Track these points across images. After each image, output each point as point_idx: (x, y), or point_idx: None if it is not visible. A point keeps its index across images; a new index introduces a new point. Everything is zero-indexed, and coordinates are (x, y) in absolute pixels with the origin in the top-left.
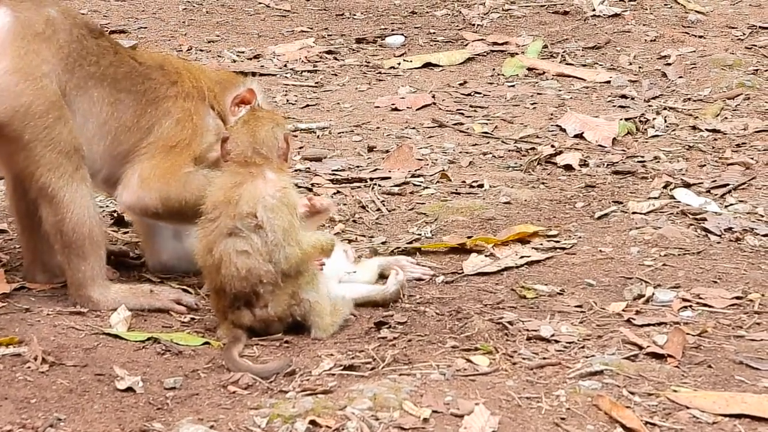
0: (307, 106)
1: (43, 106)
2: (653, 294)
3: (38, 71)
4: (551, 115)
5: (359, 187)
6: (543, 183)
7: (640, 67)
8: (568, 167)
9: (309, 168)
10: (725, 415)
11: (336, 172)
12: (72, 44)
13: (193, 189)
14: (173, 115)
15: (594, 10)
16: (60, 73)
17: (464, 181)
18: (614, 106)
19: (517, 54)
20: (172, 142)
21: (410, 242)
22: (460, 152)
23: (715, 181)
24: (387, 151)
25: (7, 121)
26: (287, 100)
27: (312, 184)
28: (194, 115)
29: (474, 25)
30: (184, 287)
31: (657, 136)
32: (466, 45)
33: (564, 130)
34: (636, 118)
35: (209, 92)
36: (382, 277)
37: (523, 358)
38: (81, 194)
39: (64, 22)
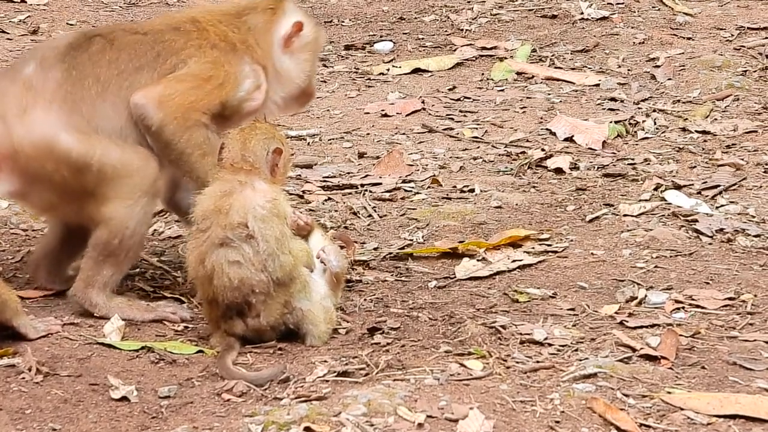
0: (297, 113)
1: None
2: (646, 296)
3: None
4: (541, 118)
5: (350, 193)
6: (534, 187)
7: (629, 70)
8: (559, 170)
9: (300, 175)
10: (719, 416)
11: (327, 179)
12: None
13: (190, 141)
14: (202, 59)
15: (582, 13)
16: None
17: (455, 186)
18: (604, 108)
19: (505, 58)
20: (205, 75)
21: (402, 248)
22: (451, 157)
23: (705, 182)
24: (377, 157)
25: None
26: None
27: (303, 191)
28: (225, 64)
29: (462, 30)
30: (178, 297)
31: (647, 138)
32: (454, 50)
33: (554, 134)
34: (626, 120)
35: (241, 44)
36: None
37: (517, 362)
38: (141, 212)
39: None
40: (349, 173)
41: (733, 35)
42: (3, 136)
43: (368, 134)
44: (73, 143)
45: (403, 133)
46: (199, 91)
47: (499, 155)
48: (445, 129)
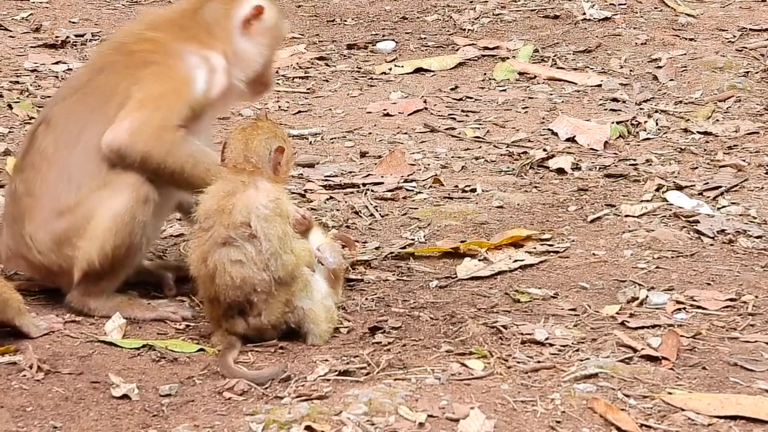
0: (299, 112)
1: None
2: (647, 296)
3: None
4: (543, 119)
5: (352, 192)
6: (535, 187)
7: (631, 71)
8: (561, 171)
9: (302, 174)
10: (720, 417)
11: (329, 178)
12: None
13: (176, 158)
14: (142, 82)
15: (584, 14)
16: None
17: (457, 186)
18: (606, 109)
19: (508, 58)
20: (156, 93)
21: (403, 247)
22: (453, 157)
23: (707, 183)
24: (379, 157)
25: None
26: (279, 107)
27: (305, 190)
28: (166, 70)
29: (465, 29)
30: (180, 298)
31: (649, 139)
32: (457, 50)
33: (556, 134)
34: (627, 121)
35: (182, 38)
36: None
37: (518, 362)
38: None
39: None
40: (351, 172)
41: (735, 36)
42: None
43: (370, 134)
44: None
45: (405, 133)
46: (160, 110)
47: (501, 155)
48: (447, 129)
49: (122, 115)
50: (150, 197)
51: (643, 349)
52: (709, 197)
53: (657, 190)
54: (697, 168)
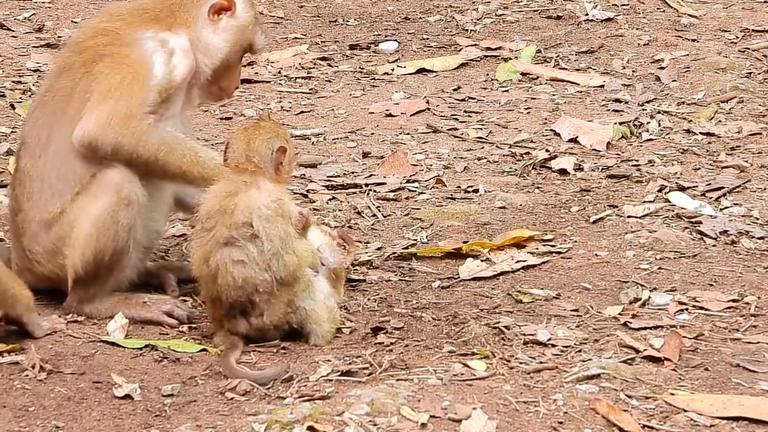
0: (302, 112)
1: None
2: (649, 297)
3: None
4: (545, 119)
5: (354, 192)
6: (538, 187)
7: (633, 71)
8: (563, 171)
9: (304, 174)
10: (722, 418)
11: (331, 178)
12: None
13: (147, 145)
14: (100, 76)
15: (587, 14)
16: None
17: (459, 186)
18: (608, 110)
19: (510, 59)
20: (115, 83)
21: (406, 247)
22: (455, 157)
23: (710, 184)
24: (382, 157)
25: None
26: (281, 107)
27: (307, 191)
28: (121, 59)
29: (467, 30)
30: (183, 298)
31: (651, 139)
32: (459, 50)
33: (558, 135)
34: (630, 121)
35: (141, 17)
36: None
37: (520, 363)
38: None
39: None
40: (353, 173)
41: (737, 37)
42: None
43: (373, 134)
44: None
45: (408, 133)
46: (123, 99)
47: (504, 156)
48: (449, 129)
49: (88, 109)
50: (133, 198)
51: (645, 349)
52: (711, 198)
53: (659, 190)
54: (699, 169)
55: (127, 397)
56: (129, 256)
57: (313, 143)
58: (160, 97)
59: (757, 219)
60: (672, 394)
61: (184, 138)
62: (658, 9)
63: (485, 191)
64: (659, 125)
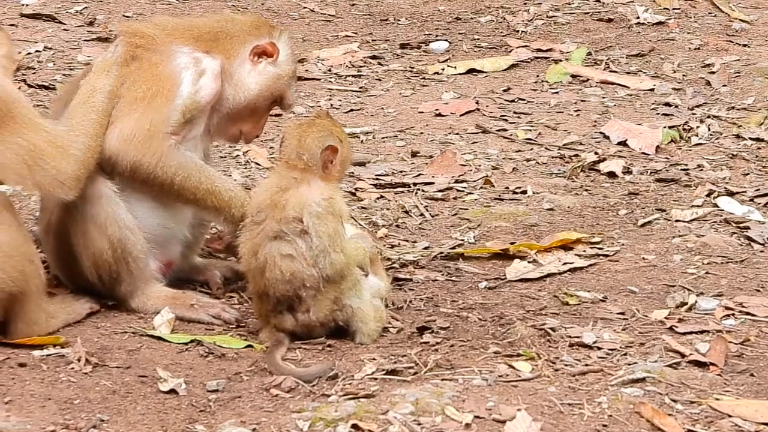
0: (351, 110)
1: None
2: (696, 302)
3: None
4: (595, 122)
5: (402, 192)
6: (586, 190)
7: (684, 75)
8: (612, 174)
9: (353, 173)
10: (767, 424)
11: (379, 177)
12: None
13: (166, 168)
14: (126, 80)
15: (638, 17)
16: None
17: (507, 187)
18: (658, 113)
19: (561, 61)
20: (141, 94)
21: (453, 247)
22: (504, 158)
23: (758, 189)
24: (430, 157)
25: None
26: (331, 105)
27: (355, 189)
28: (150, 68)
29: (518, 31)
30: (229, 295)
31: (700, 144)
32: (510, 51)
33: (607, 138)
34: (680, 126)
35: (184, 34)
36: None
37: (566, 365)
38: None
39: None
40: (401, 172)
41: None
42: None
43: (422, 133)
44: None
45: (457, 133)
46: (147, 115)
47: (552, 158)
48: (498, 130)
49: (113, 118)
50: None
51: (691, 354)
52: (760, 204)
53: (708, 195)
54: (748, 174)
55: (172, 391)
56: (135, 246)
57: (362, 142)
58: (184, 118)
59: None
60: (717, 399)
61: (204, 165)
62: (709, 13)
63: (533, 193)
64: (709, 130)
